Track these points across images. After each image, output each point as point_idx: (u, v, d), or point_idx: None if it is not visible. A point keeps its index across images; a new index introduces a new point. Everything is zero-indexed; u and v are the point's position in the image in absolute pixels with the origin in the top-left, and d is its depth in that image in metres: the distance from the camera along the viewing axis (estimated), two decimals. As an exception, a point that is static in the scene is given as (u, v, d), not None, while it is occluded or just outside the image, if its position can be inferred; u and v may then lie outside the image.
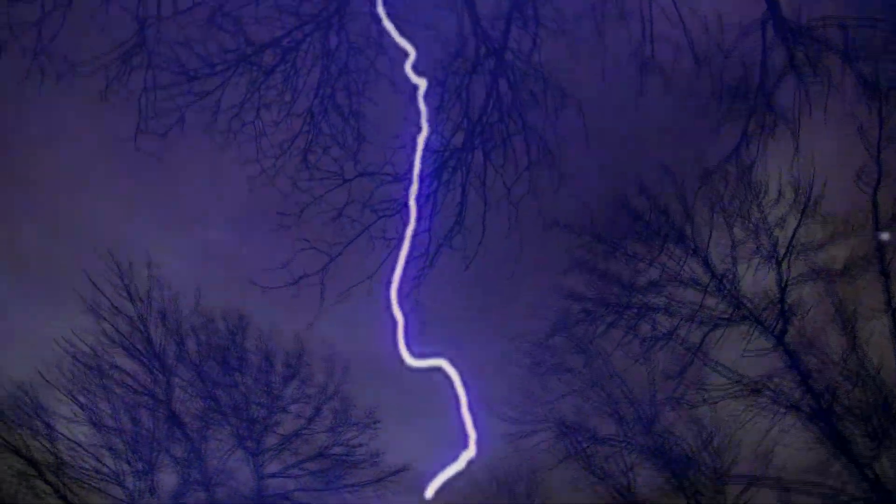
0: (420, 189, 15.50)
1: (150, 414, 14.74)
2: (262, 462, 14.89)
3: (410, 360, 13.93)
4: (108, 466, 14.62)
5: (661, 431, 15.84)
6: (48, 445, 14.50)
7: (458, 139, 15.91)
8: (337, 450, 15.10)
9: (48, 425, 14.50)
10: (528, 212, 15.75)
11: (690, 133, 15.80)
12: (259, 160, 15.28)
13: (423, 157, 15.70)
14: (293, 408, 15.14)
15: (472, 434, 13.74)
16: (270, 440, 15.01)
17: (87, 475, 14.50)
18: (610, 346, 15.90)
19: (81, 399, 14.64)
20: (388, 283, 14.42)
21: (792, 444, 15.81)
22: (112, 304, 14.92)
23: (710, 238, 16.08)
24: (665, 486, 15.79)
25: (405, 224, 14.88)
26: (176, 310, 15.05)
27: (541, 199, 15.76)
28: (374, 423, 15.12)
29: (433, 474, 13.54)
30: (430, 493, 13.58)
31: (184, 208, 15.44)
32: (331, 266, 15.36)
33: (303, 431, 15.07)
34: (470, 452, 13.58)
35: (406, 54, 14.99)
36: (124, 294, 14.93)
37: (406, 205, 15.32)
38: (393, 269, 14.56)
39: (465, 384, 14.25)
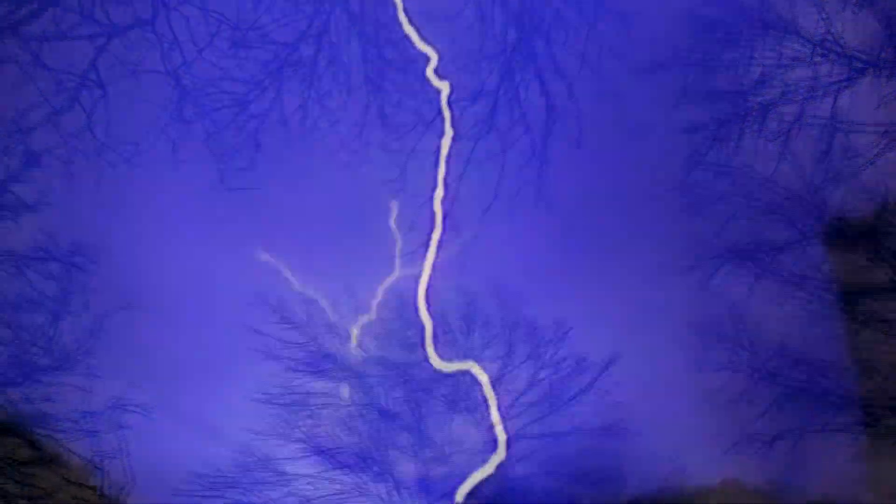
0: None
1: (362, 419, 14.85)
2: (481, 415, 14.90)
3: (438, 364, 13.84)
4: (347, 483, 14.81)
5: (834, 213, 15.33)
6: (287, 489, 14.76)
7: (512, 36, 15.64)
8: (544, 373, 15.02)
9: (278, 472, 14.76)
10: (610, 71, 15.40)
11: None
12: (345, 145, 15.29)
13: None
14: (487, 354, 15.07)
15: (501, 437, 13.59)
16: (478, 392, 14.99)
17: (334, 498, 14.72)
18: (748, 156, 15.42)
19: (297, 435, 14.83)
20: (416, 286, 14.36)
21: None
22: (280, 339, 15.06)
23: (792, 13, 15.41)
24: (861, 262, 15.29)
25: (430, 230, 14.71)
26: (337, 316, 15.12)
27: (617, 52, 15.39)
28: (566, 331, 14.99)
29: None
30: (459, 497, 13.51)
31: (297, 224, 15.46)
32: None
33: (505, 370, 15.00)
34: (500, 455, 13.47)
35: (427, 59, 14.78)
36: (287, 325, 15.06)
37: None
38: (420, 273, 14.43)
39: (493, 386, 14.14)
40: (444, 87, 14.93)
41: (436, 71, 15.02)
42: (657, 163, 15.29)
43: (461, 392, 15.10)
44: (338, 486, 14.84)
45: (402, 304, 15.19)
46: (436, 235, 14.65)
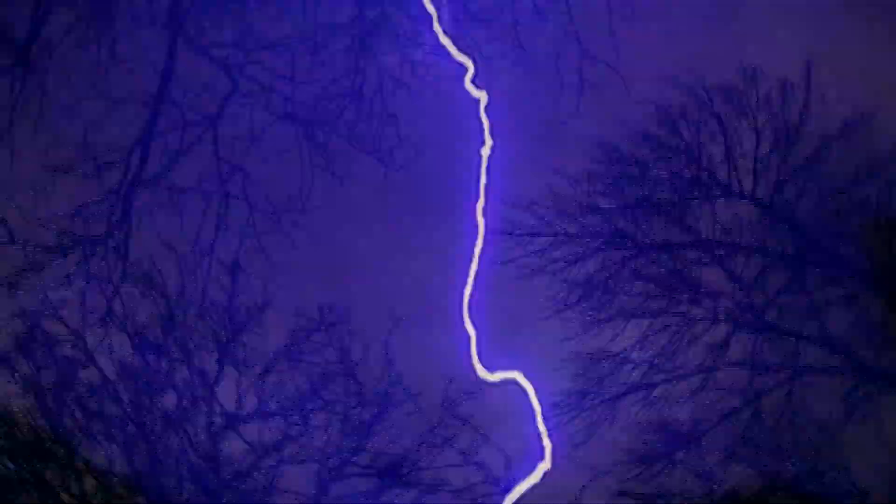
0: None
1: (652, 261, 15.28)
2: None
3: (485, 374, 13.59)
4: (671, 323, 15.43)
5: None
6: (630, 365, 15.34)
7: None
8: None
9: (611, 354, 15.34)
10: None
11: None
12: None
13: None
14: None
15: (547, 445, 13.51)
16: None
17: (671, 343, 15.23)
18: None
19: (604, 315, 15.40)
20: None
21: None
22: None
23: None
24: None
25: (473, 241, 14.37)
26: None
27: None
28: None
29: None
30: (507, 505, 13.47)
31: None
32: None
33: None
34: (546, 464, 13.28)
35: (465, 69, 14.58)
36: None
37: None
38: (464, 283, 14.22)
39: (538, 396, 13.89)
40: (483, 97, 14.73)
41: (473, 81, 14.77)
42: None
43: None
44: (669, 334, 15.28)
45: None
46: (478, 246, 14.41)
